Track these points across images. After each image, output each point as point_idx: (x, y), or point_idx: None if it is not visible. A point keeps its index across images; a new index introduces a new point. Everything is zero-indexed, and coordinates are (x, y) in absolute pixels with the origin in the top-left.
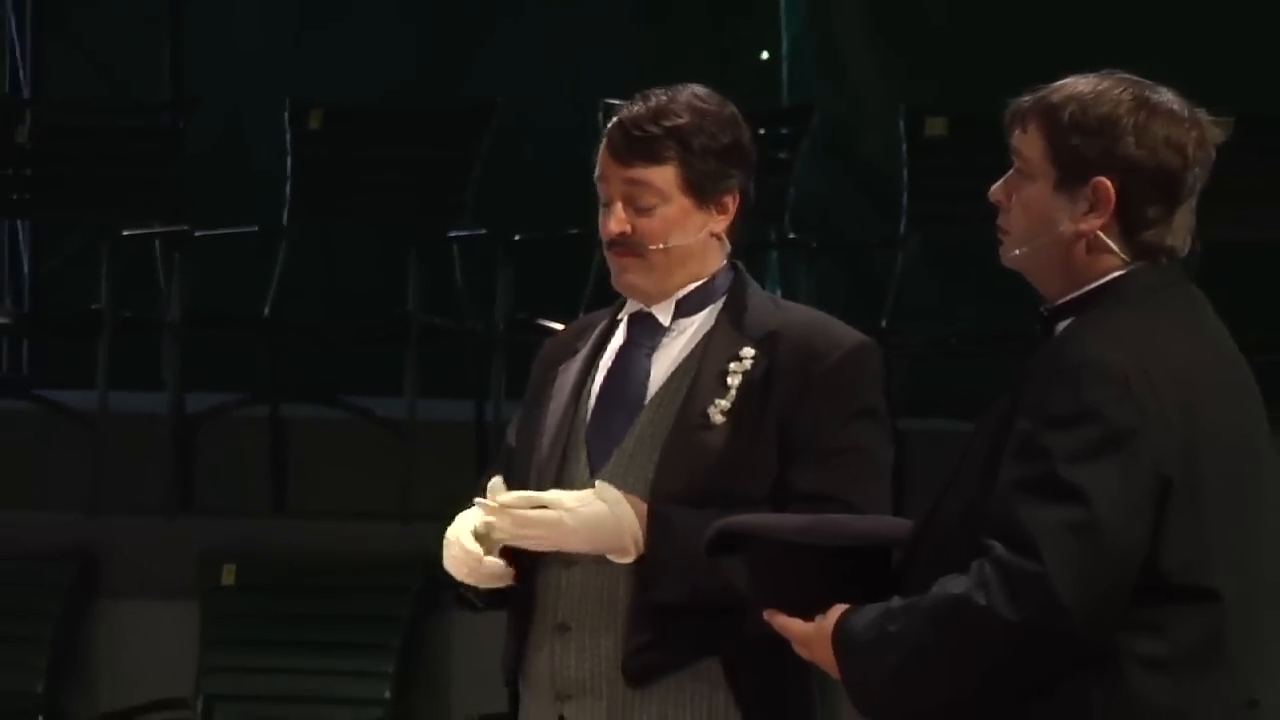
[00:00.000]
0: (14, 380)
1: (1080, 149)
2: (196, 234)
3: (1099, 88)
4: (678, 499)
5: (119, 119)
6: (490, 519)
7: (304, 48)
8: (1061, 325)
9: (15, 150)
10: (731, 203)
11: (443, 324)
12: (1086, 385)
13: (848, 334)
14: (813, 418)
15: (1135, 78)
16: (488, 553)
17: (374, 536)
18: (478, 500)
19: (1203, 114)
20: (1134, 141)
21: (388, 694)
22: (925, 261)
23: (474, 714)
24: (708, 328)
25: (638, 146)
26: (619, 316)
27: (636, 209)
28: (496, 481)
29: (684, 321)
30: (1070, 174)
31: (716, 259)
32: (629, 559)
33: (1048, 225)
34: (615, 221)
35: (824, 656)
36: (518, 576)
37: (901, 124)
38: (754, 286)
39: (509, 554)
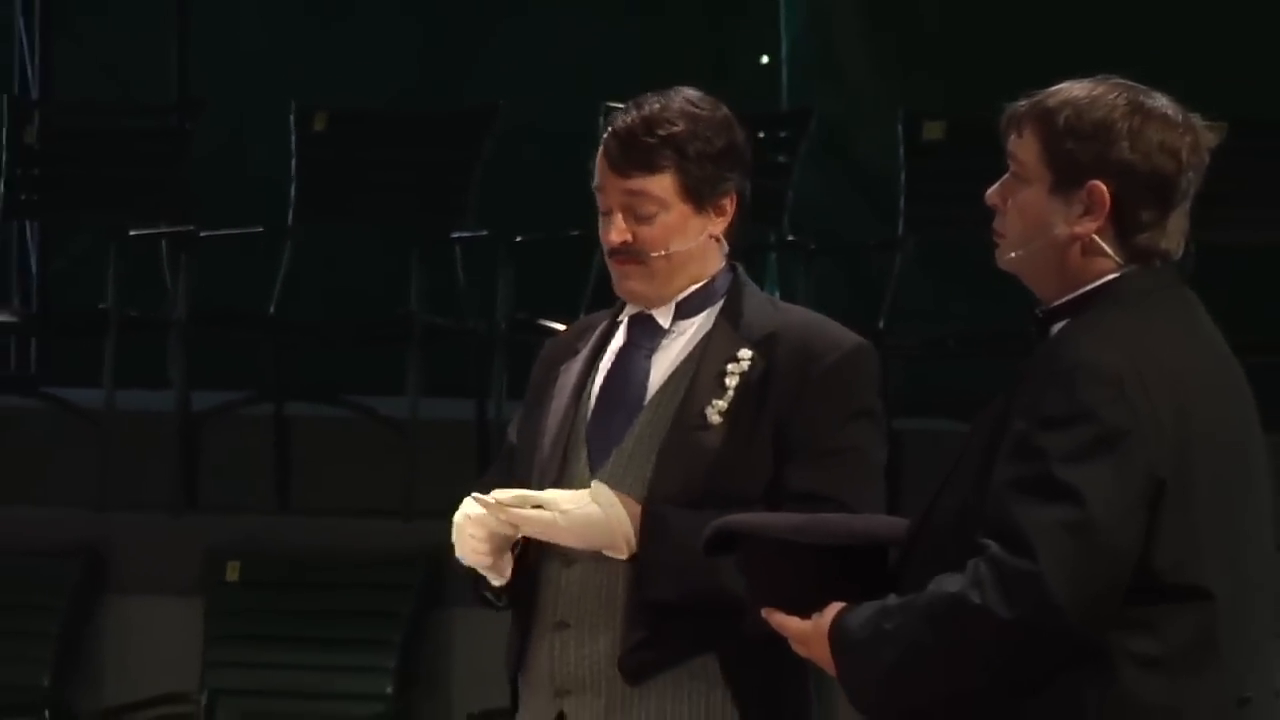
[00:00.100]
0: (22, 378)
1: (1075, 153)
2: (202, 234)
3: (1094, 93)
4: (675, 498)
5: (126, 120)
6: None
7: (309, 50)
8: (1056, 327)
9: (24, 151)
10: (729, 205)
11: (445, 324)
12: (1081, 386)
13: (845, 336)
14: (809, 418)
15: (1130, 83)
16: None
17: (376, 534)
18: (475, 496)
19: (1197, 119)
20: (1128, 146)
21: (389, 689)
22: (922, 263)
23: (475, 709)
24: (706, 329)
25: (635, 157)
26: (619, 318)
27: (636, 217)
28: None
29: (683, 323)
30: (1065, 178)
31: (716, 261)
32: (623, 556)
33: (1043, 228)
34: (616, 231)
35: (821, 654)
36: (517, 569)
37: (899, 127)
38: (752, 288)
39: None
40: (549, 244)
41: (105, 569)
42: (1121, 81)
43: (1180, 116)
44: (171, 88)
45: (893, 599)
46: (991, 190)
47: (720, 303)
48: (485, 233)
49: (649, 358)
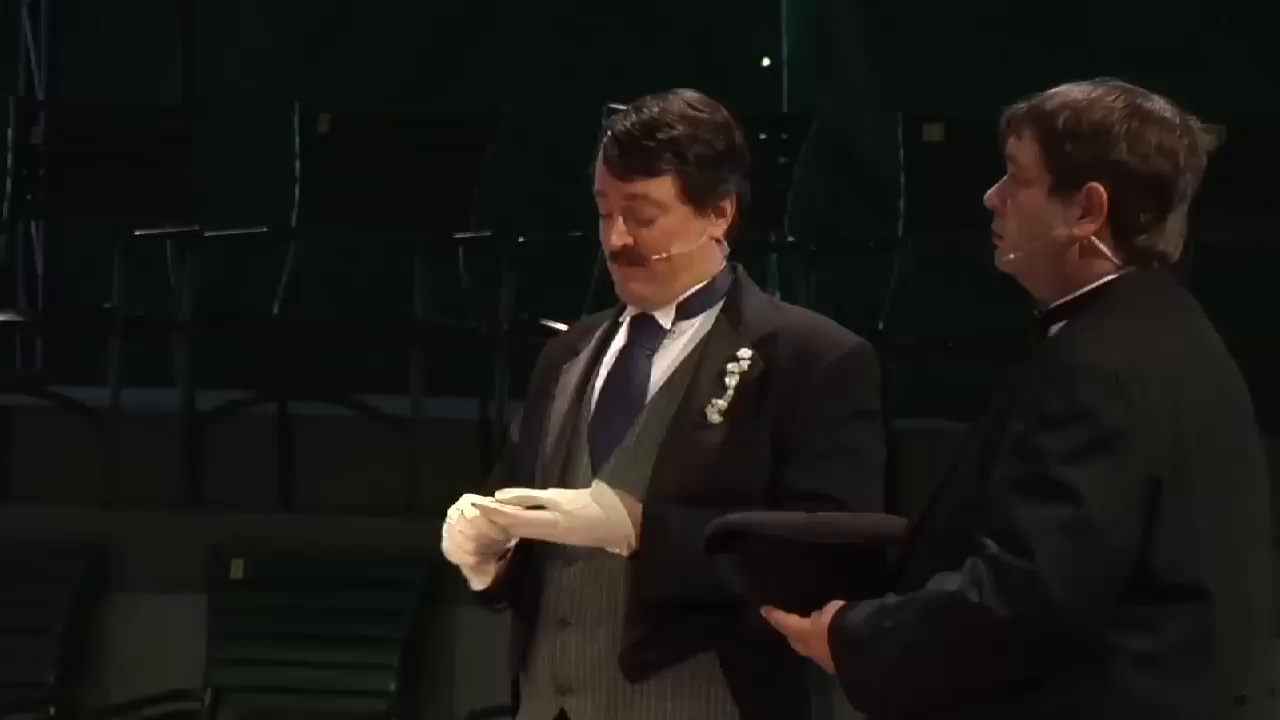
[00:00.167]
0: (28, 376)
1: (1074, 155)
2: (207, 234)
3: (1092, 95)
4: (675, 497)
5: (131, 121)
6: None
7: (313, 52)
8: (1055, 328)
9: (30, 151)
10: (729, 206)
11: (448, 324)
12: (1079, 387)
13: (845, 336)
14: (809, 417)
15: (1128, 85)
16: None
17: (379, 532)
18: (475, 502)
19: (1194, 121)
20: (1127, 148)
21: (392, 686)
22: (922, 265)
23: (477, 707)
24: (707, 329)
25: (634, 161)
26: (620, 319)
27: (637, 221)
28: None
29: (684, 323)
30: (1064, 180)
31: (716, 262)
32: (624, 554)
33: (1042, 230)
34: (617, 235)
35: (820, 652)
36: (513, 567)
37: (899, 130)
38: (753, 289)
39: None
40: (551, 245)
41: (110, 566)
42: (1120, 84)
43: (1178, 119)
44: (176, 89)
45: (892, 597)
46: (991, 192)
47: (721, 303)
48: (488, 233)
49: (650, 358)
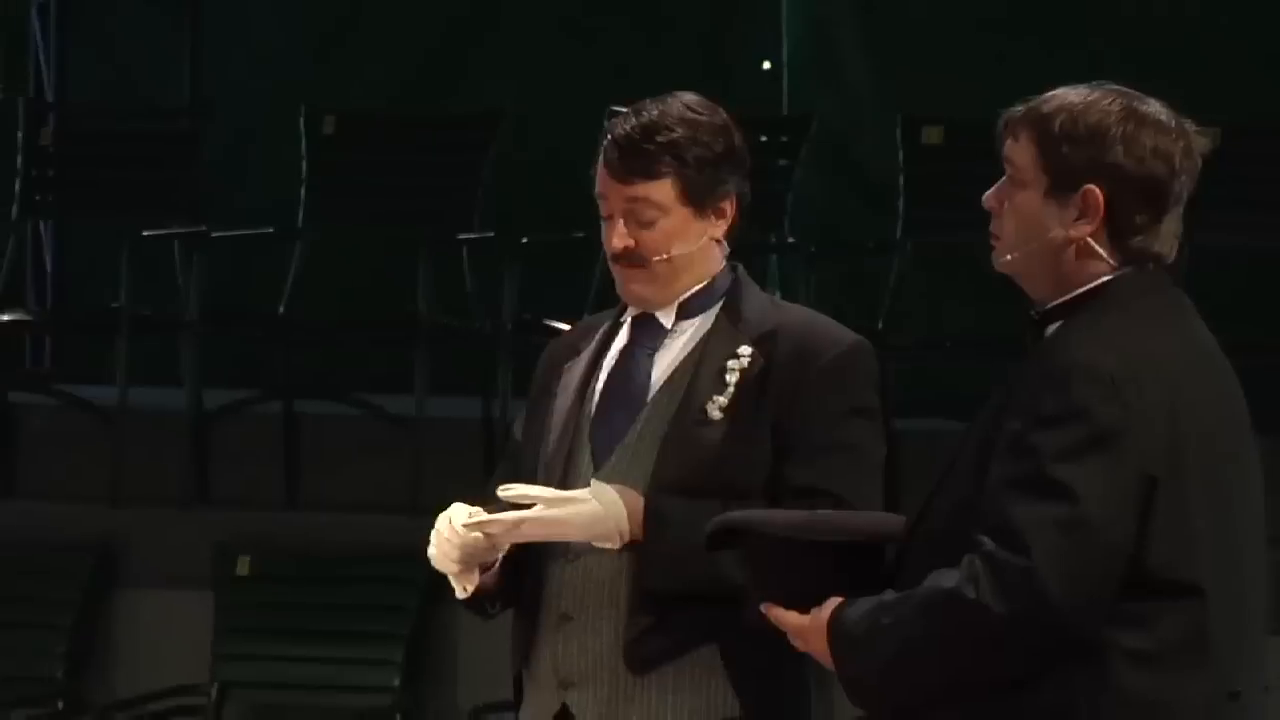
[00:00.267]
0: (37, 375)
1: (1070, 157)
2: (213, 235)
3: (1089, 98)
4: (676, 493)
5: (139, 122)
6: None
7: (320, 54)
8: (1051, 328)
9: (40, 152)
10: (729, 207)
11: (451, 324)
12: (1075, 386)
13: (844, 334)
14: (808, 414)
15: (1124, 89)
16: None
17: (384, 529)
18: (469, 521)
19: (1189, 124)
20: (1122, 150)
21: (396, 682)
22: (920, 265)
23: (480, 702)
24: (707, 328)
25: (635, 164)
26: (622, 318)
27: (638, 223)
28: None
29: (685, 323)
30: (1061, 182)
31: (717, 262)
32: (615, 547)
33: (1039, 231)
34: (618, 237)
35: (819, 648)
36: (504, 573)
37: (898, 132)
38: (753, 287)
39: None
40: (554, 246)
41: (118, 563)
42: (1116, 88)
43: (1173, 122)
44: (184, 91)
45: (890, 594)
46: (988, 194)
47: (721, 302)
48: (491, 234)
49: (651, 356)
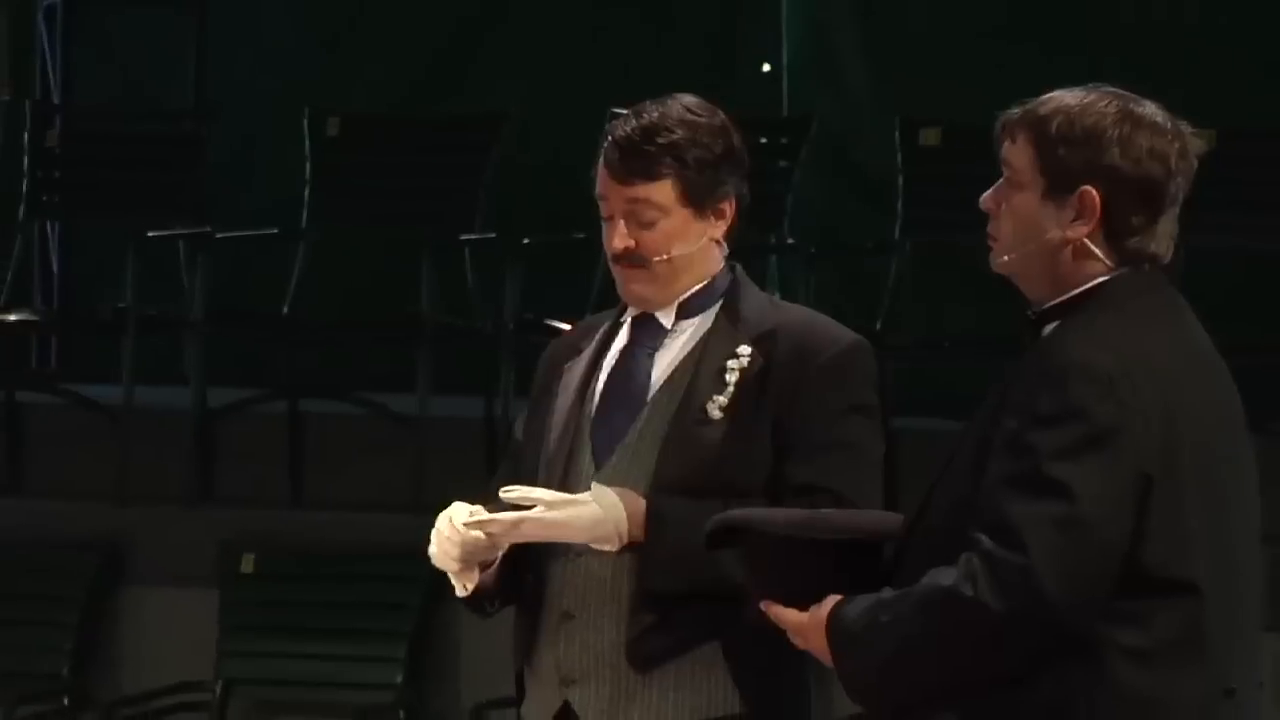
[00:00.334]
0: (43, 375)
1: (1067, 159)
2: (218, 236)
3: (1085, 100)
4: (677, 492)
5: (145, 124)
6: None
7: (324, 56)
8: (1048, 328)
9: (45, 154)
10: (729, 208)
11: (454, 324)
12: (1071, 385)
13: (843, 333)
14: (807, 413)
15: (1120, 91)
16: (468, 558)
17: (387, 527)
18: (469, 520)
19: (1185, 126)
20: (1119, 152)
21: (399, 679)
22: (919, 266)
23: (482, 699)
24: (707, 327)
25: (635, 165)
26: (622, 318)
27: (639, 224)
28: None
29: (685, 323)
30: (1058, 183)
31: (716, 262)
32: (613, 548)
33: (1036, 232)
34: (619, 238)
35: (818, 645)
36: (502, 573)
37: (897, 134)
38: (752, 287)
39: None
40: (555, 246)
41: (123, 561)
42: (1112, 90)
43: (1169, 124)
44: (189, 93)
45: (888, 592)
46: (986, 195)
47: (720, 302)
48: (493, 235)
49: (651, 356)
